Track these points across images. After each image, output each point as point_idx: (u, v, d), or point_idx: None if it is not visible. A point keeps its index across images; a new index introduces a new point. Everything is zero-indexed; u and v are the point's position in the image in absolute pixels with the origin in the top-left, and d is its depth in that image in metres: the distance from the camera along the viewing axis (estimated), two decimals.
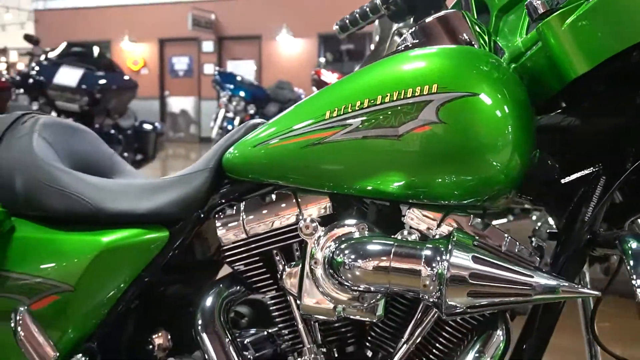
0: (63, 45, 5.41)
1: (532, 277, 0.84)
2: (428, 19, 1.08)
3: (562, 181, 1.01)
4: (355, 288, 0.95)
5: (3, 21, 15.61)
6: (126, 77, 5.69)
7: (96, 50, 5.41)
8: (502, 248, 0.95)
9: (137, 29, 13.69)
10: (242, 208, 1.08)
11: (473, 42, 1.05)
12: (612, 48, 0.84)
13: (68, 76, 4.99)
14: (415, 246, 0.91)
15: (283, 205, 1.06)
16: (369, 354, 1.07)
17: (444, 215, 0.97)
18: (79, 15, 14.37)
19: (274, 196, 1.07)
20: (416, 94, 0.91)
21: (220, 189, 1.13)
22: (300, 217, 1.04)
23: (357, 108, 0.95)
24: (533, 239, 1.01)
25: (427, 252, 0.89)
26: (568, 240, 0.97)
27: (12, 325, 1.07)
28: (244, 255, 1.09)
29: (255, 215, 1.07)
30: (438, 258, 0.88)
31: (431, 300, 0.89)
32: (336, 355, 1.08)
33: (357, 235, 0.97)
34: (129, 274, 1.13)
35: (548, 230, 1.07)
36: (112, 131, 5.53)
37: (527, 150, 0.93)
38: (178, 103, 14.63)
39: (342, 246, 0.95)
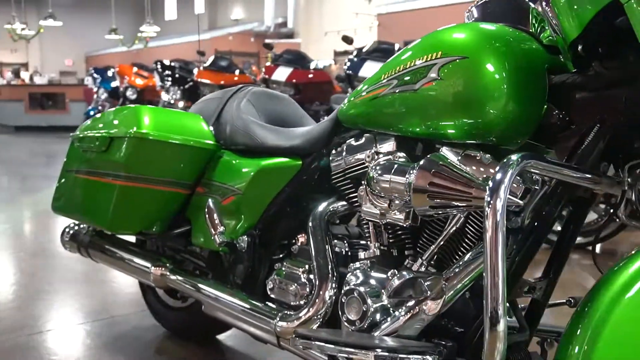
0: (373, 43, 6.27)
1: (472, 188, 1.14)
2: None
3: (568, 130, 1.23)
4: (382, 197, 1.34)
5: (354, 26, 17.76)
6: None
7: (397, 46, 6.13)
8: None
9: None
10: (345, 147, 1.55)
11: (522, 24, 1.33)
12: (590, 12, 1.06)
13: (370, 70, 5.82)
14: (406, 165, 1.27)
15: (367, 144, 1.49)
16: (419, 256, 1.43)
17: (462, 152, 1.29)
18: (414, 16, 15.53)
19: (363, 138, 1.51)
20: (429, 59, 1.26)
21: (339, 133, 1.61)
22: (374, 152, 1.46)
23: (397, 71, 1.34)
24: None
25: (407, 169, 1.25)
26: None
27: (205, 211, 1.74)
28: (343, 179, 1.56)
29: (350, 151, 1.53)
30: (411, 172, 1.23)
31: (409, 201, 1.24)
32: (396, 254, 1.46)
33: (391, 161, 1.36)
34: (276, 187, 1.70)
35: None
36: None
37: (524, 103, 1.18)
38: None
39: (375, 167, 1.36)
